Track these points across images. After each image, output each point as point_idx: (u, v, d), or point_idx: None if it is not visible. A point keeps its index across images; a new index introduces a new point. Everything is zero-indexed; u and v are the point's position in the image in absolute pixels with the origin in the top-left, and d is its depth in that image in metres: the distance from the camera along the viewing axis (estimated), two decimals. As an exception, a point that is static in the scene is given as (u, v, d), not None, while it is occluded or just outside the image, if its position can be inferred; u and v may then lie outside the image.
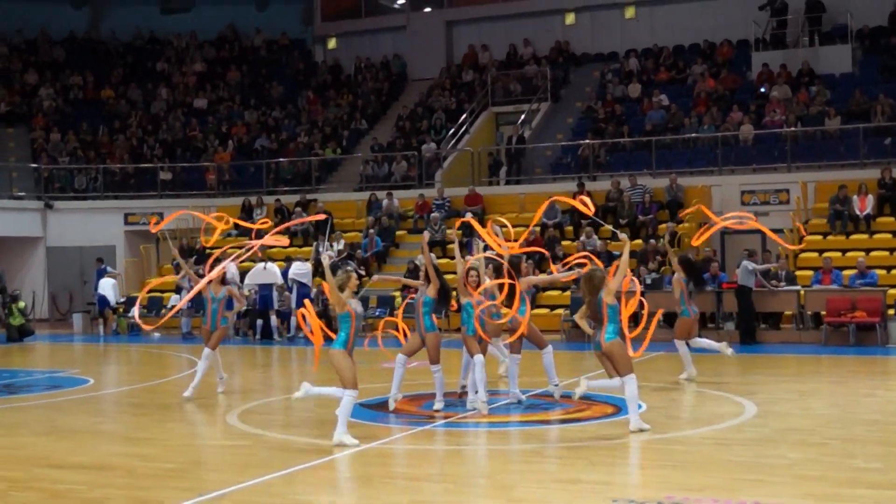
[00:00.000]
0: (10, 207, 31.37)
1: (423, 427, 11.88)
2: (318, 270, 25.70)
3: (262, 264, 25.11)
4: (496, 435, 11.63)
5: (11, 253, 31.51)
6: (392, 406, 12.81)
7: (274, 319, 24.70)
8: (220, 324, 14.87)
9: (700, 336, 15.84)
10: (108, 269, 28.62)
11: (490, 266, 13.68)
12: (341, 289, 10.77)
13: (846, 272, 22.10)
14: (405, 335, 13.27)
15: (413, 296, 13.12)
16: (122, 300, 28.18)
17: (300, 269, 24.87)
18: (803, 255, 23.83)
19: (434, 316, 12.79)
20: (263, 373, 19.11)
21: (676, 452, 10.20)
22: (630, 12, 34.97)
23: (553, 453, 10.48)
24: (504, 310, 12.99)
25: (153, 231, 14.21)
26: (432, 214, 27.81)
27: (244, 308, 23.47)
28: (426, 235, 13.68)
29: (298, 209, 29.46)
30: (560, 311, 23.80)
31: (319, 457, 10.23)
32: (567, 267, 15.22)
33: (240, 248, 15.77)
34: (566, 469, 9.59)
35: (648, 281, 22.50)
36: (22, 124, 36.00)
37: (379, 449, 10.63)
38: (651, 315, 13.09)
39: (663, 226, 25.38)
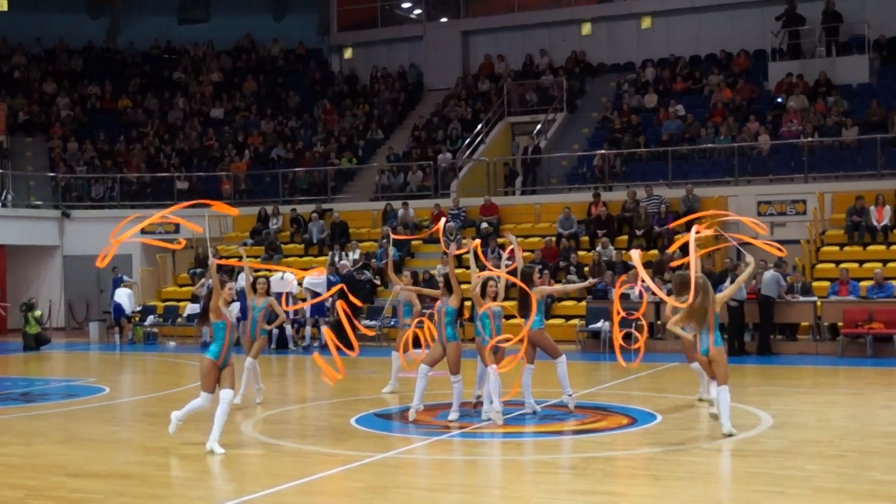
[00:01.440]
0: (28, 216, 31.51)
1: (438, 437, 11.86)
2: (330, 282, 25.70)
3: (279, 273, 25.14)
4: (511, 445, 11.60)
5: (29, 261, 31.64)
6: (413, 417, 12.81)
7: (289, 329, 24.71)
8: (260, 334, 14.91)
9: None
10: (125, 278, 28.70)
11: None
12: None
13: (863, 283, 22.00)
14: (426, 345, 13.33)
15: (437, 305, 13.04)
16: (138, 309, 28.25)
17: (315, 279, 24.88)
18: (820, 266, 23.74)
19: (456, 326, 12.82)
20: (279, 382, 19.12)
21: (693, 464, 10.16)
22: (646, 22, 34.95)
23: (568, 464, 10.45)
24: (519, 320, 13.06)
25: (99, 265, 13.23)
26: (448, 224, 27.80)
27: (285, 322, 23.45)
28: (453, 248, 13.56)
29: (315, 216, 29.54)
30: (575, 321, 23.75)
31: (335, 466, 10.22)
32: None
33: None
34: (581, 480, 9.56)
35: (665, 291, 22.38)
36: (40, 133, 36.18)
37: (394, 459, 10.61)
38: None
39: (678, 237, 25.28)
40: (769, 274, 21.52)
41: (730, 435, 11.22)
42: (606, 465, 10.12)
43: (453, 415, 12.81)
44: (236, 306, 25.38)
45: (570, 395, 13.31)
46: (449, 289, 12.83)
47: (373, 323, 24.10)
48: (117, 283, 28.28)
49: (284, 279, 24.99)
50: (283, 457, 10.93)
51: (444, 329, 12.74)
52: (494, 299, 12.63)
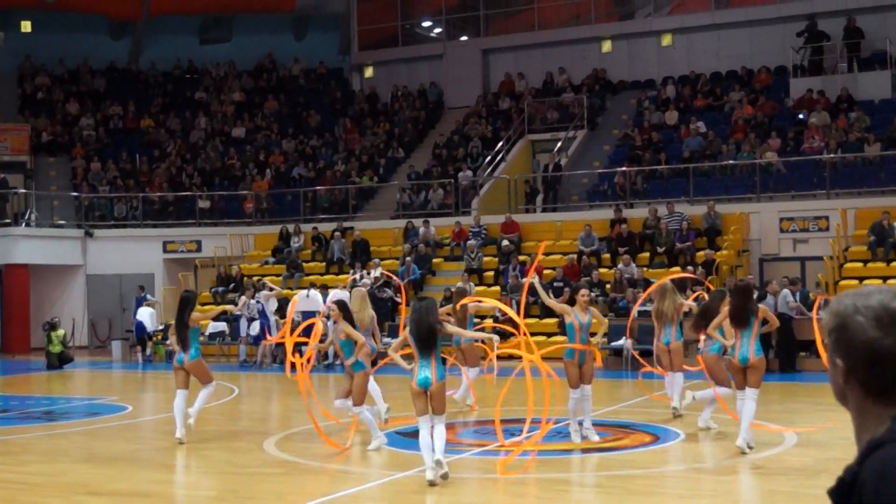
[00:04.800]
0: (51, 236, 31.68)
1: (458, 455, 11.83)
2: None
3: (304, 291, 25.20)
4: (533, 463, 11.56)
5: (52, 280, 31.81)
6: (374, 447, 12.20)
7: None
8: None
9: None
10: (148, 296, 28.83)
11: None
12: None
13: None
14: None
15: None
16: (160, 328, 28.34)
17: (337, 298, 24.90)
18: (843, 282, 23.60)
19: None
20: (300, 399, 19.10)
21: (716, 482, 10.10)
22: (667, 39, 34.93)
23: (590, 482, 10.40)
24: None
25: None
26: (469, 242, 27.81)
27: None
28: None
29: (337, 234, 29.62)
30: (596, 338, 23.64)
31: (356, 485, 10.20)
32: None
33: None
34: (603, 498, 9.51)
35: (686, 309, 22.30)
36: (63, 154, 36.43)
37: (416, 477, 10.58)
38: None
39: (700, 253, 25.20)
40: (784, 292, 21.44)
41: (747, 450, 11.19)
42: (629, 483, 10.07)
43: (376, 442, 12.08)
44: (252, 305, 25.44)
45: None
46: (346, 317, 12.13)
47: (389, 341, 24.07)
48: (140, 301, 28.41)
49: (310, 297, 25.04)
50: (305, 475, 10.92)
51: (346, 359, 12.26)
52: (584, 309, 12.24)
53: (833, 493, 2.33)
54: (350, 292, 25.72)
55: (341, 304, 12.34)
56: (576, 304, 12.35)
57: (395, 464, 10.99)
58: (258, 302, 24.76)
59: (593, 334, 13.09)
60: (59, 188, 34.67)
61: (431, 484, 9.91)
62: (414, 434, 13.10)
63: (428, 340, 10.00)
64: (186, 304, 13.64)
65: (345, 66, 40.63)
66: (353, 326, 12.27)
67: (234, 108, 38.64)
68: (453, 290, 17.50)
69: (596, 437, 12.26)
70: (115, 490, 10.24)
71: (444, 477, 10.11)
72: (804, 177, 27.37)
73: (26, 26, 39.75)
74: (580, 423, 12.34)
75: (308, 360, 14.47)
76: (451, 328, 11.64)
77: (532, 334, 22.29)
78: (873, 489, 2.21)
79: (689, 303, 16.06)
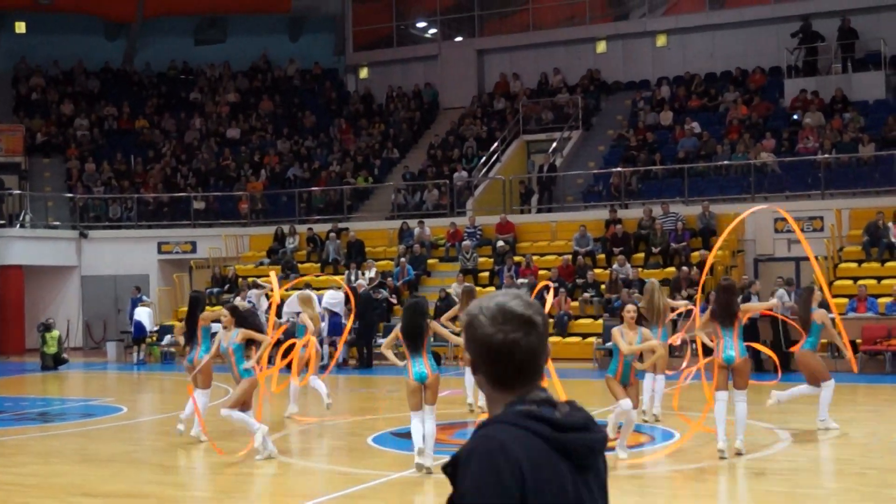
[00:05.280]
0: (46, 237, 31.64)
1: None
2: (348, 299, 25.74)
3: (299, 292, 25.16)
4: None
5: (47, 282, 31.77)
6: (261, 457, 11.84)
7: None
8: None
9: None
10: (144, 297, 28.81)
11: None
12: None
13: (882, 300, 21.88)
14: None
15: None
16: (155, 329, 28.32)
17: (333, 299, 24.90)
18: (838, 282, 23.63)
19: None
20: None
21: (711, 482, 10.11)
22: (661, 40, 34.95)
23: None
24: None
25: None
26: (464, 243, 27.82)
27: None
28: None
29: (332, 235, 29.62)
30: (592, 339, 23.69)
31: (350, 485, 10.20)
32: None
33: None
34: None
35: (681, 310, 22.33)
36: (58, 154, 36.38)
37: (410, 478, 10.58)
38: None
39: (696, 254, 25.24)
40: (780, 292, 21.47)
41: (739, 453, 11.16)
42: (625, 483, 10.07)
43: (259, 442, 11.61)
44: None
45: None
46: (239, 322, 11.99)
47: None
48: (136, 302, 28.39)
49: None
50: (299, 475, 10.92)
51: (236, 365, 11.92)
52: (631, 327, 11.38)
53: (445, 467, 2.63)
54: (349, 293, 25.78)
55: (233, 310, 12.15)
56: (623, 323, 11.45)
57: (389, 464, 10.98)
58: (249, 301, 24.73)
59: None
60: (53, 189, 34.62)
61: (420, 468, 10.47)
62: (407, 435, 13.13)
63: (417, 338, 10.69)
64: (197, 303, 13.81)
65: (340, 66, 40.62)
66: (261, 331, 12.42)
67: (228, 108, 38.62)
68: (460, 290, 17.46)
69: (624, 455, 11.25)
70: (110, 491, 10.23)
71: (428, 472, 10.45)
72: (799, 177, 27.41)
73: (21, 27, 39.71)
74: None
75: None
76: (439, 329, 12.02)
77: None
78: (464, 462, 2.56)
79: (679, 303, 16.10)
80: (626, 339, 11.06)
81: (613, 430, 11.41)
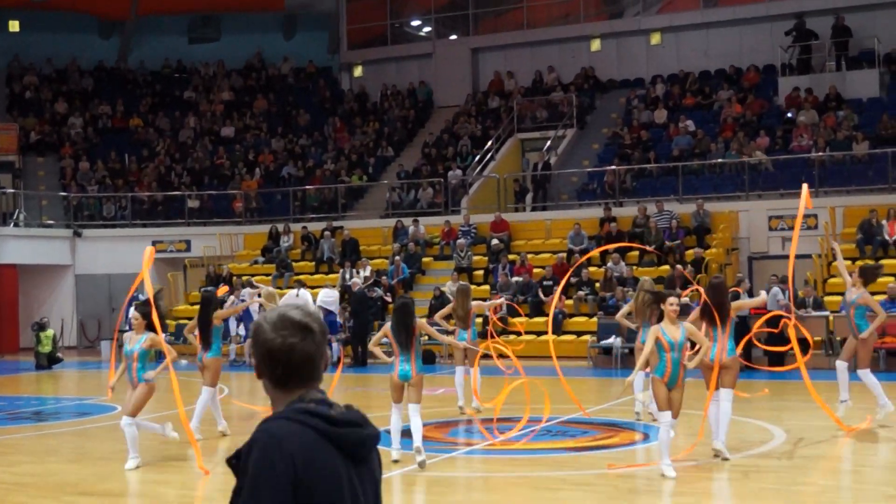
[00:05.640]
0: (40, 235, 31.59)
1: (448, 455, 11.84)
2: (344, 297, 25.77)
3: (294, 291, 25.19)
4: (523, 462, 11.58)
5: (41, 280, 31.73)
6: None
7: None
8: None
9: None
10: (140, 296, 28.74)
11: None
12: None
13: (876, 297, 21.84)
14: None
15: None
16: (150, 328, 28.25)
17: (328, 297, 24.92)
18: (832, 280, 23.66)
19: None
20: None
21: (705, 480, 10.12)
22: (656, 38, 34.97)
23: (580, 480, 10.42)
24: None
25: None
26: (458, 241, 27.83)
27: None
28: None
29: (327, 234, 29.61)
30: (587, 337, 23.71)
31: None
32: None
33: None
34: (593, 496, 9.53)
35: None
36: (51, 153, 36.33)
37: (404, 476, 10.60)
38: None
39: (690, 251, 25.25)
40: (775, 289, 21.49)
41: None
42: (619, 482, 10.09)
43: (132, 462, 11.36)
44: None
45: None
46: (149, 327, 11.44)
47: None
48: (133, 300, 28.32)
49: (300, 296, 25.04)
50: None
51: (137, 371, 11.62)
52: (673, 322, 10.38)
53: (229, 460, 2.94)
54: (339, 291, 25.79)
55: (144, 313, 11.53)
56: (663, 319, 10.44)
57: (384, 463, 10.99)
58: (242, 299, 24.71)
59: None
60: (47, 188, 34.57)
61: (395, 461, 10.91)
62: (404, 434, 13.14)
63: (406, 337, 11.03)
64: (209, 303, 13.92)
65: (334, 65, 40.60)
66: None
67: (223, 107, 38.59)
68: (455, 288, 17.44)
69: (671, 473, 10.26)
70: (105, 490, 10.23)
71: (422, 465, 10.73)
72: (793, 175, 27.44)
73: (14, 26, 39.63)
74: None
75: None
76: (427, 328, 12.15)
77: (525, 333, 22.35)
78: (245, 455, 2.88)
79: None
80: (669, 334, 10.14)
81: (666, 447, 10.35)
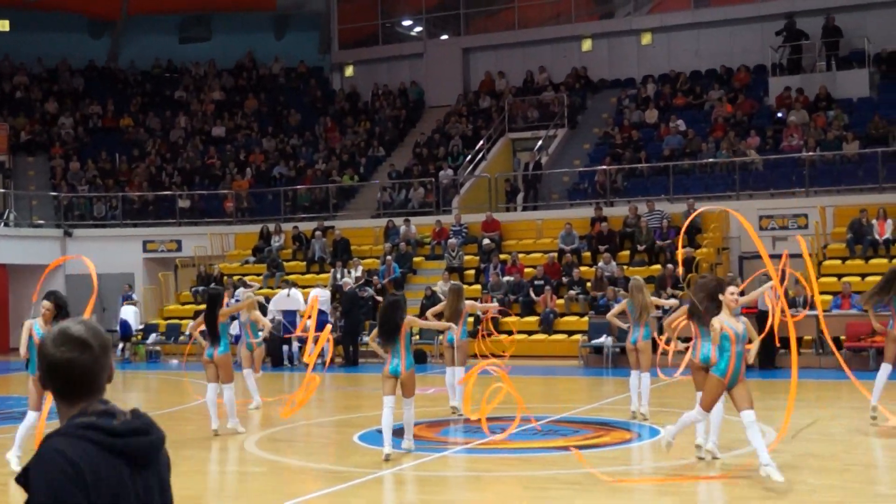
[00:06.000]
0: (30, 235, 31.52)
1: (440, 454, 11.84)
2: (335, 297, 25.74)
3: (285, 291, 25.18)
4: (514, 461, 11.58)
5: (31, 280, 31.56)
6: None
7: (295, 346, 24.70)
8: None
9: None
10: (133, 295, 28.73)
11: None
12: None
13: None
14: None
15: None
16: (141, 328, 28.25)
17: (320, 297, 24.89)
18: (822, 279, 23.72)
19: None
20: (281, 399, 19.08)
21: (693, 479, 10.12)
22: (647, 38, 35.01)
23: (571, 479, 10.43)
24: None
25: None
26: (449, 241, 27.83)
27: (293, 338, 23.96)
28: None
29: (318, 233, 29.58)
30: (577, 336, 23.73)
31: (336, 483, 10.20)
32: None
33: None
34: (584, 496, 9.54)
35: (666, 307, 22.38)
36: (42, 153, 36.24)
37: (396, 475, 10.60)
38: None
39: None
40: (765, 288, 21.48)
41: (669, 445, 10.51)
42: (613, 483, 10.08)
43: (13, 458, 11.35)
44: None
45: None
46: (63, 317, 10.81)
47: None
48: (124, 300, 28.32)
49: (291, 297, 25.03)
50: (285, 474, 10.91)
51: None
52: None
53: (18, 477, 2.97)
54: (331, 291, 25.78)
55: (57, 303, 11.28)
56: (722, 310, 9.88)
57: (376, 462, 10.98)
58: (236, 299, 24.69)
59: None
60: (37, 188, 34.49)
61: (387, 459, 10.98)
62: (396, 433, 13.13)
63: (391, 334, 11.24)
64: (216, 300, 13.98)
65: (325, 64, 40.57)
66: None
67: (214, 107, 38.54)
68: (447, 288, 17.44)
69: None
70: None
71: (408, 450, 11.45)
72: (783, 175, 27.51)
73: (4, 25, 39.52)
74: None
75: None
76: (418, 322, 12.62)
77: (517, 332, 22.35)
78: (31, 471, 2.91)
79: (665, 301, 16.15)
80: (733, 325, 9.66)
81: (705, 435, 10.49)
